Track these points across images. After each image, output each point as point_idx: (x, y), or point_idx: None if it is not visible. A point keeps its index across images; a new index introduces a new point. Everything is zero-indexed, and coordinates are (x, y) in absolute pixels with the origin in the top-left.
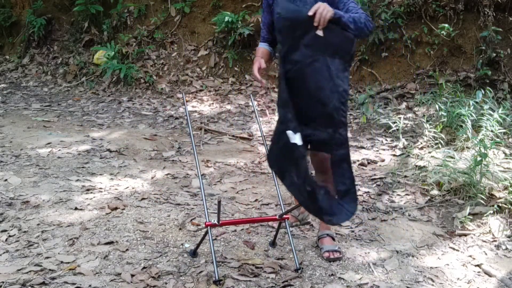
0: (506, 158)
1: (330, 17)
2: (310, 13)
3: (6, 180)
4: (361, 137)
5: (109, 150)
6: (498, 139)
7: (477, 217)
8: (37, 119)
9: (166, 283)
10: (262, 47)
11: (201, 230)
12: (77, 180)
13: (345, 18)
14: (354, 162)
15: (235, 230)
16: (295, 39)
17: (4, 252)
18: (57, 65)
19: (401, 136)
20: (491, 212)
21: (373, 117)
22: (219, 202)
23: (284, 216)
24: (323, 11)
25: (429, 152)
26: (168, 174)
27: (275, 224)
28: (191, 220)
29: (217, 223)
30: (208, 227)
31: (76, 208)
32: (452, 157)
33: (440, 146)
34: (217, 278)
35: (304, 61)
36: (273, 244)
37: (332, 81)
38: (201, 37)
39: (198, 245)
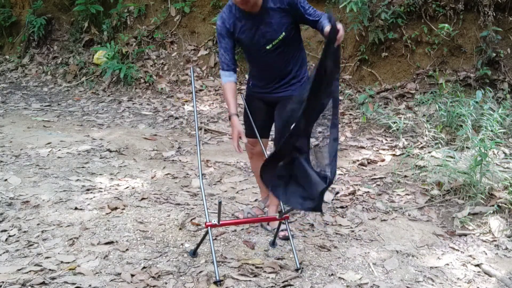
0: (506, 158)
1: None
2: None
3: (6, 180)
4: (361, 137)
5: (109, 150)
6: (498, 139)
7: (477, 217)
8: (37, 119)
9: (166, 283)
10: (232, 89)
11: (201, 230)
12: (77, 180)
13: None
14: (354, 162)
15: (235, 230)
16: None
17: (4, 252)
18: (57, 65)
19: (401, 136)
20: (491, 212)
21: (373, 117)
22: (220, 203)
23: (284, 215)
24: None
25: (429, 152)
26: (168, 174)
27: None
28: (191, 220)
29: (217, 223)
30: (209, 227)
31: (76, 208)
32: (452, 157)
33: (440, 146)
34: (217, 278)
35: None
36: (273, 243)
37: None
38: (201, 37)
39: (198, 245)
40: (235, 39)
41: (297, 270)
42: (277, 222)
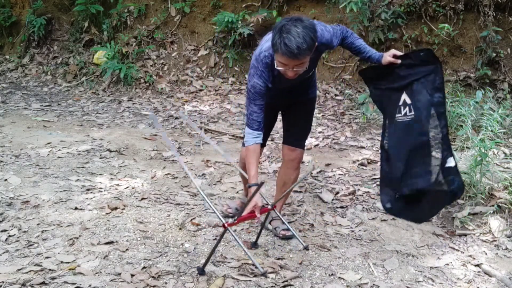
0: (506, 158)
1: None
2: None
3: (6, 180)
4: (361, 137)
5: (109, 150)
6: (498, 139)
7: (477, 217)
8: (37, 119)
9: (166, 283)
10: (257, 153)
11: (201, 230)
12: (77, 180)
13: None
14: (354, 162)
15: (235, 230)
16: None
17: (4, 252)
18: (57, 65)
19: None
20: (491, 212)
21: (373, 117)
22: (255, 191)
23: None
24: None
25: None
26: (168, 174)
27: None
28: (191, 220)
29: (234, 221)
30: (228, 227)
31: (76, 208)
32: None
33: None
34: (261, 270)
35: None
36: (255, 244)
37: None
38: (201, 37)
39: (207, 260)
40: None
41: (306, 248)
42: (278, 222)
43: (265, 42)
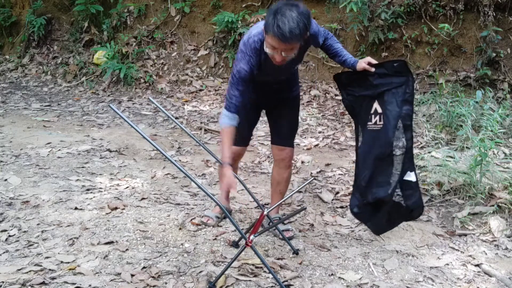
0: (506, 158)
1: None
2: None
3: (6, 180)
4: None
5: (109, 150)
6: (498, 139)
7: (477, 217)
8: (37, 119)
9: (166, 283)
10: (231, 134)
11: (201, 230)
12: (77, 180)
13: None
14: (354, 162)
15: (235, 230)
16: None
17: (4, 252)
18: (57, 65)
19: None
20: (491, 212)
21: None
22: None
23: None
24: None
25: (429, 152)
26: (168, 174)
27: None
28: (191, 220)
29: (255, 236)
30: (251, 244)
31: (76, 208)
32: (452, 157)
33: (440, 146)
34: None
35: None
36: (237, 244)
37: None
38: (201, 37)
39: (221, 274)
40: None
41: (295, 252)
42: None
43: (254, 29)
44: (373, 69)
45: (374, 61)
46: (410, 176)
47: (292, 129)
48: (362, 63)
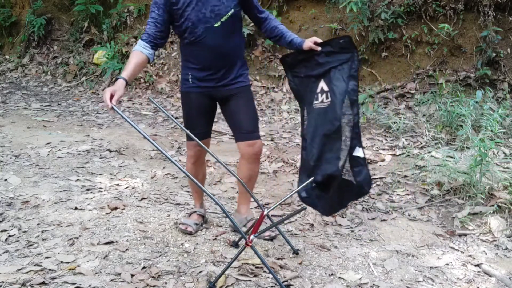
0: (506, 158)
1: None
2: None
3: (6, 180)
4: (361, 137)
5: (109, 150)
6: (498, 139)
7: (477, 217)
8: (37, 119)
9: (166, 283)
10: (138, 57)
11: (200, 230)
12: (77, 180)
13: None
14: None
15: (235, 230)
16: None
17: (4, 252)
18: (57, 65)
19: (401, 136)
20: (491, 212)
21: (373, 117)
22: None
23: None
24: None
25: (429, 152)
26: (168, 174)
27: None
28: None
29: (255, 236)
30: (252, 244)
31: (76, 208)
32: (452, 157)
33: (440, 146)
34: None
35: None
36: (236, 244)
37: None
38: None
39: (222, 272)
40: (177, 14)
41: (295, 252)
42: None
43: None
44: (319, 48)
45: (320, 40)
46: (359, 152)
47: (254, 120)
48: (308, 42)
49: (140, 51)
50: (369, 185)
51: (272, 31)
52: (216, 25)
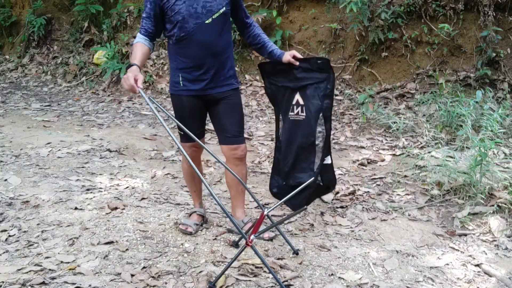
0: (506, 158)
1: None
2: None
3: (6, 180)
4: (361, 136)
5: (109, 150)
6: (498, 139)
7: (477, 217)
8: (37, 119)
9: (166, 283)
10: (142, 48)
11: (200, 230)
12: (77, 180)
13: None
14: (354, 162)
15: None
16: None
17: (4, 252)
18: (57, 65)
19: (401, 136)
20: (491, 212)
21: (373, 117)
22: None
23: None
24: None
25: (429, 152)
26: (168, 174)
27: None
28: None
29: (256, 236)
30: (252, 244)
31: (76, 208)
32: (452, 157)
33: (440, 146)
34: None
35: None
36: (237, 244)
37: None
38: None
39: (223, 272)
40: (168, 8)
41: (295, 253)
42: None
43: None
44: (297, 63)
45: (299, 55)
46: (327, 160)
47: (240, 124)
48: (288, 56)
49: (142, 42)
50: (333, 183)
51: (255, 38)
52: (207, 21)
